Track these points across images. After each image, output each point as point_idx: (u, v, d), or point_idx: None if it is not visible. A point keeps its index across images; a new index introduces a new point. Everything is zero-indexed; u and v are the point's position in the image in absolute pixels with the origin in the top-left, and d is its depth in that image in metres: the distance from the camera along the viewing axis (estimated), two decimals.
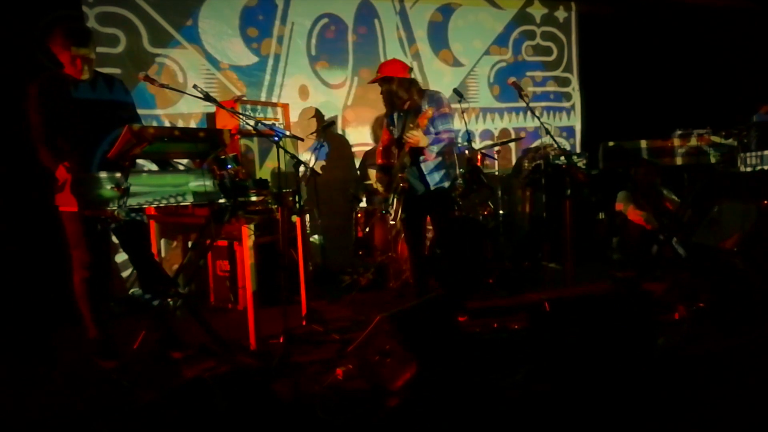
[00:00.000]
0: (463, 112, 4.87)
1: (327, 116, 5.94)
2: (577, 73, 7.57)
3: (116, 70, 4.98)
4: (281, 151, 3.71)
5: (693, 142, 5.46)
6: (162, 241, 4.48)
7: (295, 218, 4.47)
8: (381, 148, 4.49)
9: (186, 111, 5.45)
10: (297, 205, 4.11)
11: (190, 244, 4.76)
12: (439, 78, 6.65)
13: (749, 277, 4.10)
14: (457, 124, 5.93)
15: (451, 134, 4.12)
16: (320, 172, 4.94)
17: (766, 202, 4.49)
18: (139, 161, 3.45)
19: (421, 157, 4.06)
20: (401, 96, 4.10)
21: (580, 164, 6.18)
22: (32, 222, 4.42)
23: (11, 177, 4.46)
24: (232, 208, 3.40)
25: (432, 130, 4.04)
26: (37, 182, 3.54)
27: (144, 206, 3.22)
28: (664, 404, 2.76)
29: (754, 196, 4.64)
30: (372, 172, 4.93)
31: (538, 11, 7.29)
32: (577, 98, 7.59)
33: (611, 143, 6.08)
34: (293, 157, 4.07)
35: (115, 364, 3.33)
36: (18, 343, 4.07)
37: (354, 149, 6.39)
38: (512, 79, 4.44)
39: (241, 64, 5.73)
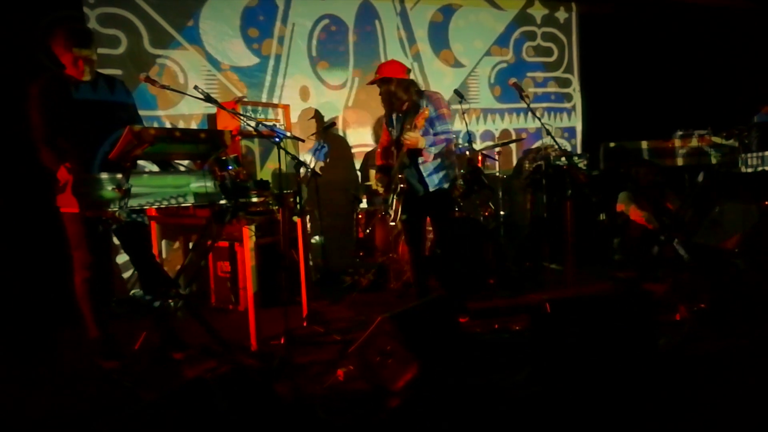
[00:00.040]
0: (463, 113, 4.88)
1: (328, 117, 5.94)
2: (577, 74, 7.57)
3: (117, 71, 4.99)
4: (282, 152, 3.72)
5: (694, 142, 5.46)
6: (163, 242, 4.48)
7: (296, 219, 4.47)
8: (380, 149, 4.49)
9: (187, 112, 5.45)
10: (298, 206, 4.11)
11: (191, 245, 4.76)
12: (439, 79, 6.65)
13: (750, 277, 4.11)
14: (458, 125, 5.95)
15: (450, 135, 4.11)
16: (320, 173, 4.93)
17: (766, 202, 4.49)
18: (140, 162, 3.46)
19: (420, 159, 4.06)
20: (400, 97, 4.10)
21: (580, 165, 6.19)
22: (33, 223, 4.43)
23: (12, 178, 4.47)
24: (233, 209, 3.40)
25: (430, 130, 4.04)
26: (38, 183, 3.54)
27: (145, 207, 3.22)
28: (665, 404, 2.76)
29: (754, 197, 4.64)
30: (372, 173, 4.94)
31: (538, 12, 7.29)
32: (577, 99, 7.59)
33: (612, 144, 6.09)
34: (294, 158, 4.07)
35: (116, 365, 3.33)
36: (19, 344, 4.07)
37: (355, 150, 6.39)
38: (513, 80, 4.44)
39: (241, 65, 5.74)
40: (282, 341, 3.66)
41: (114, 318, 3.78)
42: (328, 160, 5.98)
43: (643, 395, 2.84)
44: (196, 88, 3.59)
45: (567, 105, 7.55)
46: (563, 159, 5.63)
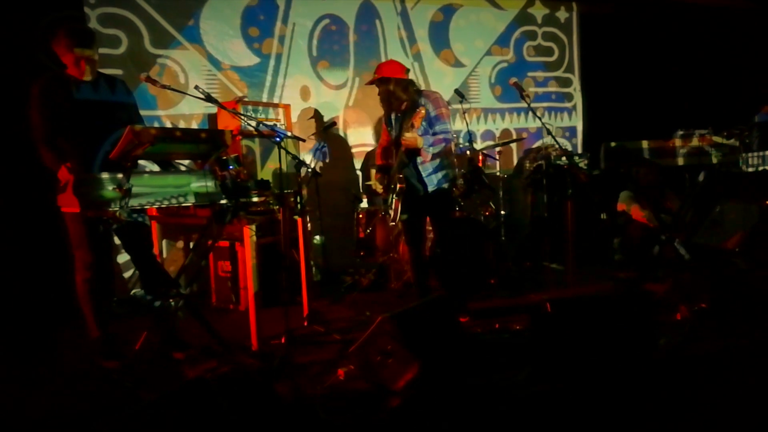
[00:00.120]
0: (464, 113, 4.87)
1: (328, 117, 5.94)
2: (578, 74, 7.57)
3: (118, 71, 4.99)
4: (282, 151, 3.72)
5: (695, 142, 5.46)
6: (164, 242, 4.48)
7: (297, 217, 4.47)
8: (380, 149, 4.50)
9: (187, 112, 5.46)
10: (298, 205, 4.11)
11: (191, 244, 4.76)
12: (440, 78, 6.65)
13: (750, 277, 4.10)
14: (459, 124, 5.95)
15: (448, 135, 4.12)
16: (320, 172, 4.93)
17: (767, 202, 4.49)
18: (141, 162, 3.45)
19: (419, 159, 4.07)
20: (399, 96, 4.10)
21: (581, 165, 6.18)
22: (34, 223, 4.43)
23: (13, 178, 4.47)
24: (234, 208, 3.40)
25: (429, 129, 4.05)
26: (38, 183, 3.54)
27: (146, 207, 3.23)
28: (666, 404, 2.76)
29: (755, 197, 4.63)
30: (373, 173, 4.94)
31: (539, 12, 7.29)
32: (578, 99, 7.59)
33: (613, 143, 6.08)
34: (294, 157, 4.07)
35: (117, 365, 3.34)
36: (20, 344, 4.08)
37: (355, 150, 6.39)
38: (513, 80, 4.44)
39: (242, 65, 5.74)
40: (282, 341, 3.66)
41: (115, 318, 3.78)
42: (327, 160, 5.97)
43: (643, 395, 2.84)
44: (196, 87, 3.59)
45: (568, 104, 7.54)
46: (564, 158, 5.63)
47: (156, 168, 3.62)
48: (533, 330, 3.26)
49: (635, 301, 3.21)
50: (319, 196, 5.24)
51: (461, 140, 5.22)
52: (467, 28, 6.86)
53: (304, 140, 4.51)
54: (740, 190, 4.84)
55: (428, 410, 2.74)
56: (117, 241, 3.86)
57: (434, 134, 4.04)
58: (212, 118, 5.51)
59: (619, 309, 3.14)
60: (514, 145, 7.10)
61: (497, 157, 5.91)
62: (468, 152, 5.01)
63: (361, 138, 6.40)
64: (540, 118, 4.56)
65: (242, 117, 4.00)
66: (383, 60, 6.11)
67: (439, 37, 6.71)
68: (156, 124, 5.18)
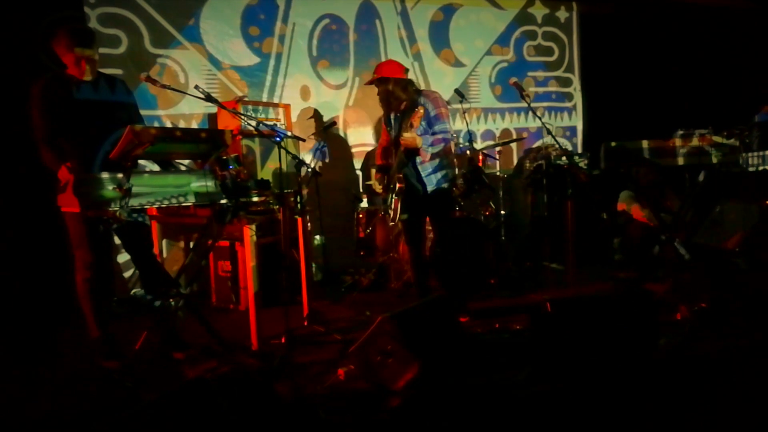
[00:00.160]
0: (464, 113, 4.87)
1: (328, 117, 5.94)
2: (578, 74, 7.57)
3: (118, 71, 4.99)
4: (282, 151, 3.72)
5: (694, 142, 5.45)
6: (164, 242, 4.49)
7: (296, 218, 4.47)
8: (380, 149, 4.50)
9: (187, 111, 5.46)
10: (298, 205, 4.11)
11: (191, 244, 4.76)
12: (440, 78, 6.65)
13: (750, 277, 4.10)
14: (459, 124, 5.94)
15: (447, 135, 4.12)
16: (320, 172, 4.94)
17: (767, 202, 4.49)
18: (141, 162, 3.45)
19: (418, 159, 4.07)
20: (398, 96, 4.11)
21: (581, 164, 6.18)
22: (34, 223, 4.43)
23: (13, 178, 4.47)
24: (234, 208, 3.40)
25: (428, 129, 4.05)
26: (39, 183, 3.54)
27: (146, 207, 3.23)
28: (666, 404, 2.76)
29: (755, 196, 4.63)
30: (373, 173, 4.94)
31: (539, 11, 7.28)
32: (578, 98, 7.59)
33: (613, 143, 6.07)
34: (295, 157, 4.07)
35: (117, 365, 3.33)
36: (20, 344, 4.08)
37: (355, 150, 6.39)
38: (514, 80, 4.44)
39: (242, 65, 5.74)
40: (283, 341, 3.66)
41: (115, 318, 3.78)
42: (327, 159, 5.97)
43: (643, 395, 2.84)
44: (196, 87, 3.59)
45: (568, 104, 7.54)
46: (564, 158, 5.62)
47: (156, 168, 3.62)
48: (533, 330, 3.25)
49: (635, 301, 3.20)
50: (319, 196, 5.25)
51: (461, 140, 5.22)
52: (467, 28, 6.85)
53: (304, 140, 4.51)
54: (740, 190, 4.84)
55: (428, 410, 2.74)
56: (117, 240, 3.86)
57: (433, 134, 4.04)
58: (212, 118, 5.51)
59: (619, 309, 3.14)
60: (514, 145, 7.10)
61: (497, 156, 5.91)
62: (468, 152, 5.02)
63: (361, 138, 6.40)
64: (540, 118, 4.56)
65: (242, 117, 4.00)
66: (383, 60, 6.11)
67: (439, 36, 6.71)
68: (156, 124, 5.18)
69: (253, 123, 3.77)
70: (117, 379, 3.19)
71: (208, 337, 3.53)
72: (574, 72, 7.55)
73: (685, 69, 7.17)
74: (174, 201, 3.20)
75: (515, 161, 7.07)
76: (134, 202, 3.03)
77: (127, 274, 5.13)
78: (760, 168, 5.05)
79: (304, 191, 4.64)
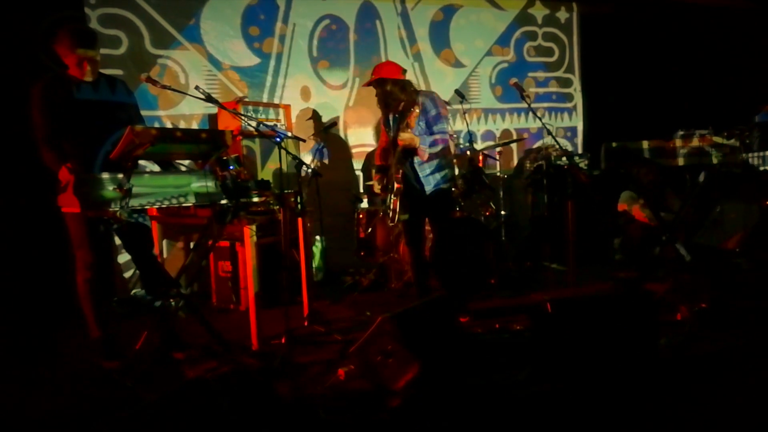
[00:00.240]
0: (464, 113, 4.87)
1: (329, 117, 5.94)
2: (578, 74, 7.57)
3: (118, 72, 4.99)
4: (283, 152, 3.72)
5: (695, 142, 5.45)
6: (164, 242, 4.49)
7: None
8: (379, 149, 4.51)
9: (188, 112, 5.46)
10: (298, 205, 4.11)
11: (192, 244, 4.76)
12: (440, 78, 6.65)
13: (751, 277, 4.10)
14: (459, 124, 5.94)
15: (445, 136, 4.12)
16: (320, 173, 4.94)
17: (767, 202, 4.49)
18: (142, 162, 3.46)
19: (417, 159, 4.07)
20: (396, 97, 4.11)
21: (581, 165, 6.18)
22: (34, 223, 4.43)
23: (13, 178, 4.47)
24: (234, 209, 3.40)
25: (426, 129, 4.05)
26: (39, 183, 3.54)
27: (146, 207, 3.23)
28: (666, 404, 2.76)
29: (756, 196, 4.63)
30: (374, 173, 4.95)
31: (539, 12, 7.29)
32: (578, 99, 7.59)
33: (614, 144, 6.07)
34: (295, 158, 4.07)
35: (118, 365, 3.34)
36: (20, 344, 4.08)
37: (355, 150, 6.39)
38: (514, 80, 4.44)
39: (242, 65, 5.74)
40: (283, 341, 3.66)
41: (115, 318, 3.78)
42: (326, 160, 5.98)
43: (643, 395, 2.84)
44: (197, 88, 3.59)
45: (568, 105, 7.54)
46: (564, 159, 5.63)
47: (156, 168, 3.63)
48: (533, 330, 3.26)
49: (636, 301, 3.20)
50: (320, 196, 5.25)
51: (462, 140, 5.22)
52: (467, 28, 6.86)
53: (304, 140, 4.52)
54: (740, 190, 4.84)
55: (428, 410, 2.74)
56: (118, 241, 3.86)
57: (432, 134, 4.05)
58: (212, 119, 5.51)
59: (620, 309, 3.13)
60: (514, 146, 7.10)
61: (497, 157, 5.91)
62: (468, 152, 5.02)
63: (362, 138, 6.40)
64: (540, 119, 4.56)
65: (242, 117, 4.00)
66: (384, 60, 6.12)
67: (440, 37, 6.71)
68: (156, 125, 5.18)
69: (254, 123, 3.77)
70: (117, 379, 3.19)
71: (209, 337, 3.53)
72: (574, 72, 7.55)
73: (685, 69, 7.17)
74: (174, 201, 3.20)
75: (515, 162, 7.07)
76: (135, 203, 3.03)
77: (127, 275, 5.13)
78: (761, 168, 5.04)
79: (304, 191, 4.64)
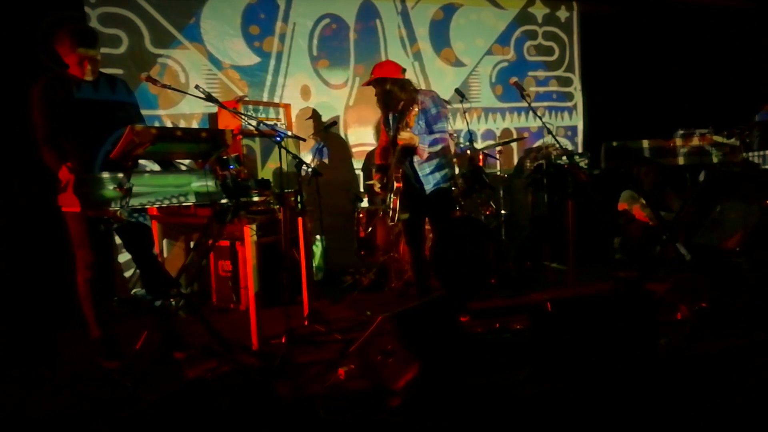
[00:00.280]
0: (465, 112, 4.87)
1: (329, 116, 5.94)
2: (579, 73, 7.56)
3: (118, 71, 4.98)
4: (283, 151, 3.72)
5: (695, 142, 5.45)
6: (164, 242, 4.49)
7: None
8: (379, 149, 4.51)
9: (188, 111, 5.46)
10: (299, 205, 4.11)
11: (192, 244, 4.76)
12: (440, 78, 6.64)
13: (751, 277, 4.10)
14: (459, 124, 5.94)
15: (444, 135, 4.12)
16: (319, 171, 4.94)
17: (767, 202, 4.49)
18: (142, 162, 3.46)
19: (417, 158, 4.07)
20: (396, 96, 4.11)
21: (582, 164, 6.18)
22: (34, 223, 4.43)
23: (13, 178, 4.47)
24: (234, 208, 3.40)
25: (426, 129, 4.05)
26: (39, 183, 3.55)
27: (146, 206, 3.24)
28: (666, 404, 2.76)
29: (756, 196, 4.63)
30: (374, 173, 4.95)
31: (539, 11, 7.28)
32: (579, 98, 7.58)
33: (614, 143, 6.07)
34: (295, 157, 4.07)
35: (118, 365, 3.33)
36: (20, 343, 4.08)
37: (355, 149, 6.39)
38: (514, 79, 4.44)
39: (243, 64, 5.74)
40: (283, 341, 3.66)
41: (115, 318, 3.78)
42: (326, 160, 5.98)
43: (643, 395, 2.84)
44: (197, 87, 3.59)
45: (568, 104, 7.54)
46: (564, 158, 5.62)
47: (157, 167, 3.62)
48: (534, 330, 3.26)
49: (636, 301, 3.20)
50: (320, 195, 5.25)
51: (462, 140, 5.22)
52: (468, 27, 6.85)
53: (304, 140, 4.51)
54: (740, 189, 4.84)
55: (428, 410, 2.74)
56: (118, 240, 3.86)
57: (432, 133, 4.05)
58: (213, 118, 5.51)
59: (620, 309, 3.13)
60: (514, 145, 7.10)
61: (498, 156, 5.91)
62: (468, 152, 5.02)
63: (362, 137, 6.40)
64: (540, 118, 4.57)
65: (243, 116, 4.00)
66: (383, 59, 6.11)
67: (440, 36, 6.70)
68: (157, 124, 5.18)
69: (254, 123, 3.77)
70: (117, 379, 3.19)
71: (209, 337, 3.53)
72: (574, 72, 7.55)
73: (685, 69, 7.17)
74: (174, 201, 3.20)
75: (516, 161, 7.07)
76: (135, 202, 3.03)
77: (127, 274, 5.13)
78: (761, 167, 5.04)
79: (304, 191, 4.64)
